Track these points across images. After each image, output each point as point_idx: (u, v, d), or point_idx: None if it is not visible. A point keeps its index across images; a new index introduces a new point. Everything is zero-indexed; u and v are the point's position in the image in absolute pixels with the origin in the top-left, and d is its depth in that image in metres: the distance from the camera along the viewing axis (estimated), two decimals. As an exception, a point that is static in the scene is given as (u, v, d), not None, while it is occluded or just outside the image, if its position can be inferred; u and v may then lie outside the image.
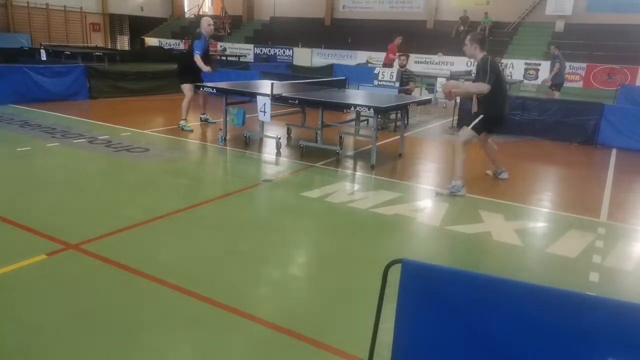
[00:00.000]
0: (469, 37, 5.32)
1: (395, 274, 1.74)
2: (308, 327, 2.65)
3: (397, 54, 13.39)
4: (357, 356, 2.42)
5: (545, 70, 18.48)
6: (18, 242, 3.53)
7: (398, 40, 13.67)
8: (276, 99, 6.42)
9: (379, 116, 6.93)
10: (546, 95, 12.63)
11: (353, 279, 3.29)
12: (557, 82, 12.03)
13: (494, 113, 5.25)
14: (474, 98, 5.42)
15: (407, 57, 10.12)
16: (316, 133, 6.83)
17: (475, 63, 5.30)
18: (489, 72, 5.00)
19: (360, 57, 21.72)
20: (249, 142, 7.06)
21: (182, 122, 8.05)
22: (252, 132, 7.35)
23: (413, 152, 7.19)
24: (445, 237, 4.11)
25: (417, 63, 19.83)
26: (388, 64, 13.79)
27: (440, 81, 12.82)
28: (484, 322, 1.70)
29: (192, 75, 8.08)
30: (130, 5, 28.80)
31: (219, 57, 9.22)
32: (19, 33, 22.81)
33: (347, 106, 6.35)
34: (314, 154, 6.48)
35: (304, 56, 22.89)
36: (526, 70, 18.72)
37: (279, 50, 23.93)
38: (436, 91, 12.88)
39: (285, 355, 2.46)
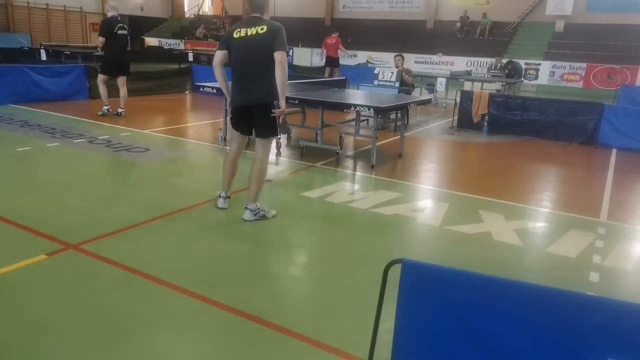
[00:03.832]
0: None
1: (395, 274, 1.74)
2: (308, 327, 2.65)
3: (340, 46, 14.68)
4: (357, 356, 2.41)
5: (545, 70, 18.54)
6: (18, 242, 3.53)
7: (335, 35, 14.71)
8: (276, 98, 6.40)
9: (379, 116, 6.92)
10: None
11: (353, 279, 3.29)
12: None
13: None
14: None
15: (402, 58, 10.09)
16: (316, 133, 6.83)
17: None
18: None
19: (360, 57, 21.71)
20: (248, 142, 7.04)
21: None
22: (252, 132, 7.34)
23: (413, 152, 7.19)
24: (445, 237, 4.11)
25: (417, 63, 19.84)
26: (334, 56, 14.40)
27: (441, 81, 12.87)
28: (484, 322, 1.70)
29: (103, 64, 8.51)
30: (130, 5, 28.76)
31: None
32: (19, 33, 22.79)
33: (347, 106, 6.34)
34: (314, 154, 6.47)
35: (304, 56, 22.87)
36: (526, 70, 18.70)
37: (279, 50, 23.88)
38: (436, 91, 12.89)
39: (285, 355, 2.46)
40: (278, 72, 3.91)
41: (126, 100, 8.68)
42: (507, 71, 13.67)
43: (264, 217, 4.19)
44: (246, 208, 4.16)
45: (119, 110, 8.63)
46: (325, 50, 14.62)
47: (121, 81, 8.61)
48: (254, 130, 4.23)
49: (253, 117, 4.10)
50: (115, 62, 8.46)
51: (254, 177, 4.21)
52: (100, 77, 8.63)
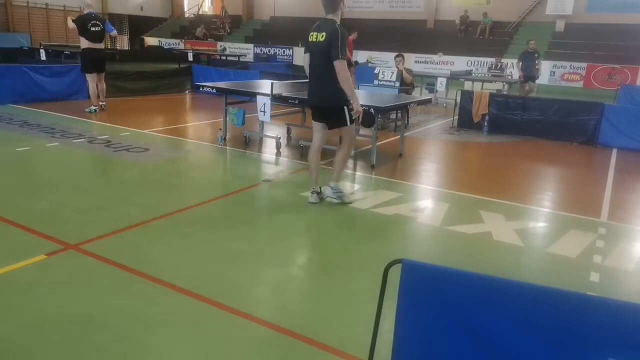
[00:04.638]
0: None
1: (395, 274, 1.74)
2: (308, 327, 2.65)
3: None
4: (357, 356, 2.41)
5: (545, 70, 18.51)
6: (18, 242, 3.53)
7: (353, 36, 14.58)
8: (276, 98, 6.41)
9: (379, 116, 6.91)
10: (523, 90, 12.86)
11: (353, 278, 3.28)
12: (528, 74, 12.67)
13: None
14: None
15: (403, 58, 10.07)
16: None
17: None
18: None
19: (360, 56, 21.69)
20: (248, 142, 7.06)
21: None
22: (251, 132, 7.34)
23: (413, 152, 7.19)
24: (445, 237, 4.10)
25: (417, 63, 19.84)
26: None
27: (441, 81, 12.84)
28: (484, 322, 1.70)
29: (84, 62, 8.83)
30: (130, 4, 28.79)
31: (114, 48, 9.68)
32: (19, 33, 22.79)
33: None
34: (314, 154, 6.46)
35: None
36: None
37: (279, 50, 23.92)
38: (436, 91, 12.89)
39: (285, 356, 2.46)
40: (340, 80, 4.21)
41: (104, 93, 9.05)
42: (536, 55, 12.61)
43: (341, 199, 4.61)
44: (328, 186, 4.63)
45: (101, 104, 8.96)
46: None
47: (98, 77, 8.89)
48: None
49: (320, 113, 4.57)
50: (87, 58, 8.76)
51: (337, 158, 4.70)
52: (88, 76, 8.87)
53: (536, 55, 12.63)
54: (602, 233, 4.28)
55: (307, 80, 4.62)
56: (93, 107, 8.83)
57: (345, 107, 4.37)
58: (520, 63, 12.62)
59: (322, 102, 4.47)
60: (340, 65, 4.17)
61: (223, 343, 2.52)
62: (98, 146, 6.48)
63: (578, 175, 6.68)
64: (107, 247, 3.48)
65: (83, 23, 8.48)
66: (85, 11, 8.62)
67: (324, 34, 4.22)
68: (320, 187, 4.72)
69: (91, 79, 8.84)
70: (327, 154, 6.45)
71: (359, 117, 4.40)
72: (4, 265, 3.12)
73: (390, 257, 1.82)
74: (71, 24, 8.58)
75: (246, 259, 3.49)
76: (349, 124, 4.46)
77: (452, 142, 8.34)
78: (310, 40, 4.40)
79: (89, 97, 9.20)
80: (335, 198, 4.62)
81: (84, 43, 8.58)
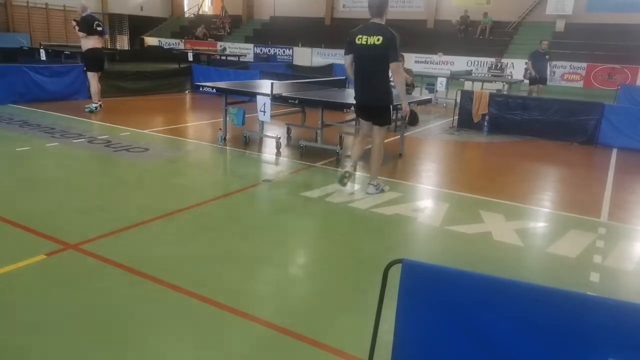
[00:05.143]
0: None
1: (395, 274, 1.74)
2: (308, 327, 2.65)
3: None
4: (357, 356, 2.41)
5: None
6: (18, 242, 3.53)
7: None
8: (276, 98, 6.41)
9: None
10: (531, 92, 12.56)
11: (353, 279, 3.28)
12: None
13: None
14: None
15: (403, 58, 10.03)
16: (316, 133, 6.83)
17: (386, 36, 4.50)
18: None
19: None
20: (248, 142, 7.06)
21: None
22: (251, 132, 7.34)
23: (413, 152, 7.19)
24: (445, 237, 4.10)
25: (417, 63, 19.83)
26: None
27: (441, 81, 12.82)
28: (484, 322, 1.70)
29: (90, 62, 8.96)
30: (130, 4, 28.79)
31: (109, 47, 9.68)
32: (19, 33, 22.79)
33: (347, 106, 6.33)
34: (314, 154, 6.47)
35: (304, 56, 22.87)
36: (526, 70, 18.66)
37: (279, 50, 23.92)
38: (436, 91, 12.89)
39: (285, 356, 2.45)
40: (395, 81, 4.64)
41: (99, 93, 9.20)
42: (547, 57, 12.35)
43: (382, 191, 5.00)
44: (369, 184, 5.04)
45: (93, 105, 9.07)
46: None
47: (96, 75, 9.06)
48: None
49: (369, 112, 4.91)
50: (93, 58, 8.89)
51: (372, 158, 5.04)
52: (91, 75, 8.93)
53: (547, 57, 12.29)
54: (602, 233, 4.28)
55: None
56: (94, 105, 8.87)
57: (391, 107, 4.79)
58: (530, 63, 12.25)
59: (372, 102, 4.77)
60: (397, 68, 4.51)
61: (223, 343, 2.52)
62: (98, 146, 6.48)
63: (578, 175, 6.68)
64: (107, 247, 3.48)
65: (89, 24, 8.63)
66: (85, 12, 8.72)
67: (379, 37, 4.48)
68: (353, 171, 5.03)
69: (93, 78, 8.90)
70: (327, 154, 6.46)
71: (406, 116, 4.62)
72: (4, 265, 3.12)
73: (390, 257, 1.82)
74: (81, 33, 8.69)
75: (246, 259, 3.48)
76: (390, 122, 4.92)
77: (452, 142, 8.34)
78: (358, 43, 4.58)
79: (89, 96, 9.21)
80: (378, 192, 5.00)
81: (89, 43, 8.68)
